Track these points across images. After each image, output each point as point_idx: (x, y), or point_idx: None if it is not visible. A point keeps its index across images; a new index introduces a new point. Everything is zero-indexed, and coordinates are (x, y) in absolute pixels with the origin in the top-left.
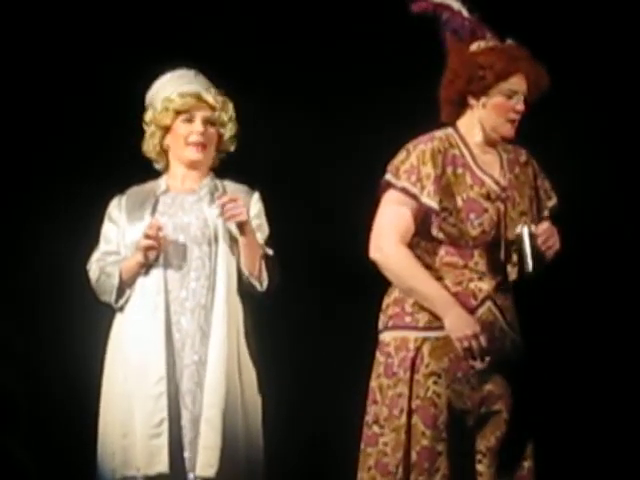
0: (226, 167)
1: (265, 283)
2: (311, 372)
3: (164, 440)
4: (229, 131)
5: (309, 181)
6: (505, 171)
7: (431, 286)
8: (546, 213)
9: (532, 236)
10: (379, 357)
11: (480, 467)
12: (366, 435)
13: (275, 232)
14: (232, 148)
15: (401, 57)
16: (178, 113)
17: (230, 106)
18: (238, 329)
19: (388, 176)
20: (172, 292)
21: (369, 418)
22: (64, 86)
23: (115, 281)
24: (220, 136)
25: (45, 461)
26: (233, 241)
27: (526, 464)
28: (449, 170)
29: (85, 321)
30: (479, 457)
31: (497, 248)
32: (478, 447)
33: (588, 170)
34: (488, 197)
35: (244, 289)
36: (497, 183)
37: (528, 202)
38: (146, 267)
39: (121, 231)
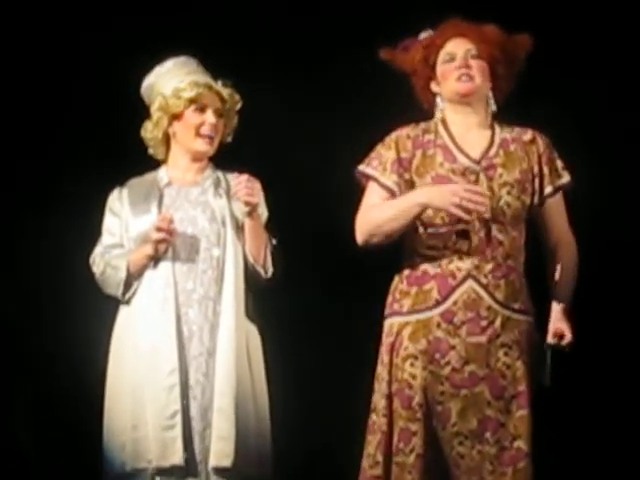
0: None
1: (270, 271)
2: (318, 363)
3: (178, 432)
4: (233, 123)
5: (308, 167)
6: (493, 147)
7: (398, 202)
8: (549, 190)
9: (554, 351)
10: (380, 346)
11: (462, 449)
12: (368, 423)
13: (276, 221)
14: (230, 139)
15: None
16: (190, 102)
17: (237, 98)
18: (246, 319)
19: (360, 166)
20: (180, 284)
21: (371, 407)
22: (62, 80)
23: (122, 274)
24: (224, 127)
25: (51, 453)
26: (240, 232)
27: (516, 444)
28: (419, 153)
29: (89, 313)
30: (461, 439)
31: (475, 221)
32: (460, 429)
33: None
34: (458, 172)
35: (249, 277)
36: (469, 157)
37: (520, 175)
38: (154, 260)
39: (124, 223)
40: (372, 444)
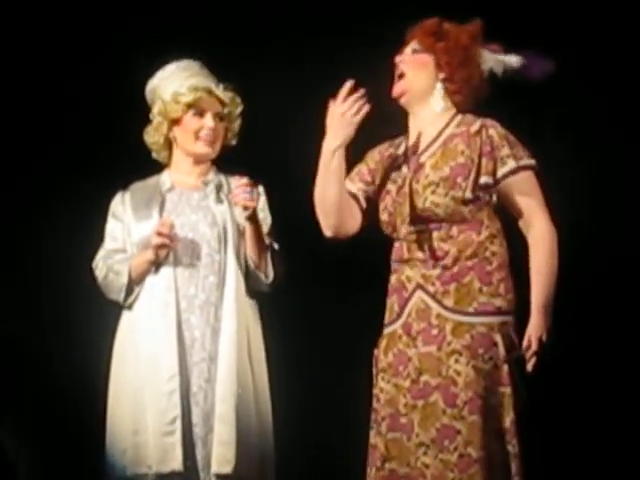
0: (227, 158)
1: (271, 276)
2: (318, 366)
3: (177, 437)
4: (236, 126)
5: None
6: (432, 146)
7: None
8: (485, 180)
9: (520, 361)
10: None
11: (426, 459)
12: None
13: (278, 224)
14: (234, 142)
15: None
16: (189, 107)
17: (239, 101)
18: (247, 324)
19: None
20: (181, 290)
21: None
22: (65, 81)
23: (124, 279)
24: (226, 131)
25: (53, 457)
26: (241, 237)
27: (467, 451)
28: (384, 170)
29: (92, 318)
30: (424, 449)
31: (406, 227)
32: (422, 439)
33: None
34: (393, 180)
35: (250, 282)
36: (406, 163)
37: (450, 171)
38: (156, 265)
39: (126, 228)
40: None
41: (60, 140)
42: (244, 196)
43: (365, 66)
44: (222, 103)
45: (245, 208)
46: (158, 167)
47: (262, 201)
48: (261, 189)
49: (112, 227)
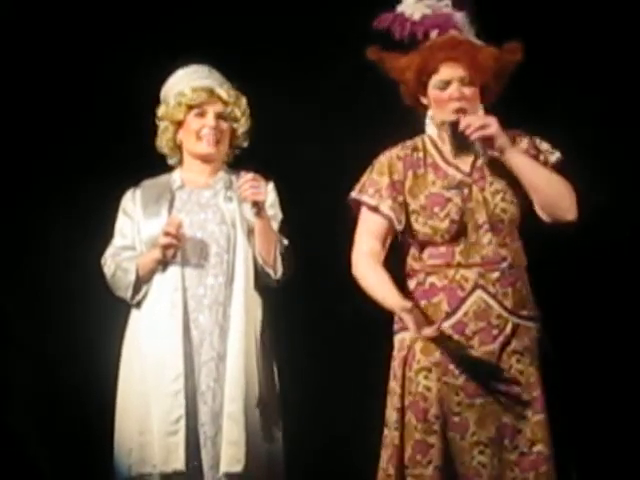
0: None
1: (280, 272)
2: (328, 367)
3: (181, 437)
4: (242, 126)
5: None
6: (479, 158)
7: (385, 294)
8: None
9: (454, 126)
10: (392, 361)
11: (483, 458)
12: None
13: (289, 221)
14: (245, 143)
15: None
16: (190, 107)
17: (243, 101)
18: (256, 323)
19: (352, 193)
20: (190, 289)
21: (384, 421)
22: (75, 82)
23: (132, 277)
24: (233, 131)
25: (62, 457)
26: (250, 235)
27: (536, 449)
28: (410, 173)
29: (101, 316)
30: (481, 448)
31: (475, 232)
32: (479, 438)
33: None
34: (451, 187)
35: (259, 278)
36: (459, 170)
37: (508, 179)
38: (164, 264)
39: (136, 225)
40: (384, 458)
41: (70, 140)
42: (251, 190)
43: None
44: (225, 102)
45: (253, 203)
46: (169, 167)
47: (272, 197)
48: (271, 186)
49: (122, 223)
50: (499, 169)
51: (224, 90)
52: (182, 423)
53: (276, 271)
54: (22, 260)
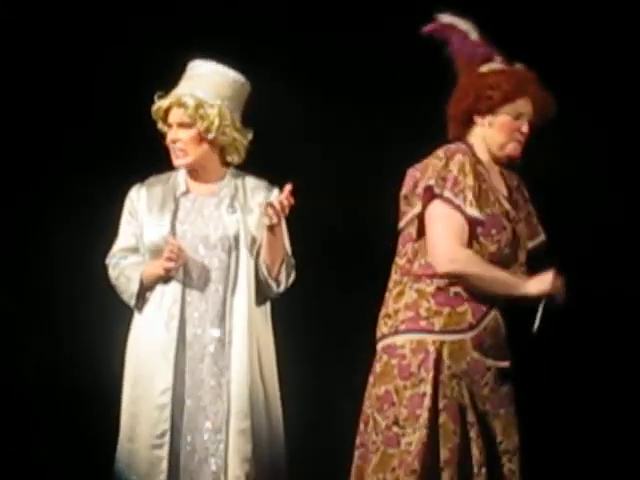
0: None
1: (282, 285)
2: (333, 372)
3: (165, 452)
4: (214, 124)
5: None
6: (511, 193)
7: (504, 275)
8: (530, 245)
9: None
10: (390, 360)
11: (512, 466)
12: (386, 437)
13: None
14: (237, 156)
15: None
16: (162, 119)
17: (211, 113)
18: (258, 335)
19: (432, 182)
20: (191, 304)
21: (387, 420)
22: (79, 79)
23: (135, 288)
24: (206, 131)
25: (65, 459)
26: (253, 246)
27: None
28: (477, 184)
29: (106, 318)
30: (509, 456)
31: (512, 266)
32: (507, 447)
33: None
34: (507, 216)
35: (260, 289)
36: (505, 200)
37: (524, 226)
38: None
39: (139, 224)
40: (396, 457)
41: (75, 140)
42: (276, 218)
43: None
44: (185, 109)
45: (270, 226)
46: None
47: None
48: (276, 192)
49: (126, 222)
50: (521, 213)
51: (187, 99)
52: (167, 438)
53: (279, 284)
54: (26, 261)
